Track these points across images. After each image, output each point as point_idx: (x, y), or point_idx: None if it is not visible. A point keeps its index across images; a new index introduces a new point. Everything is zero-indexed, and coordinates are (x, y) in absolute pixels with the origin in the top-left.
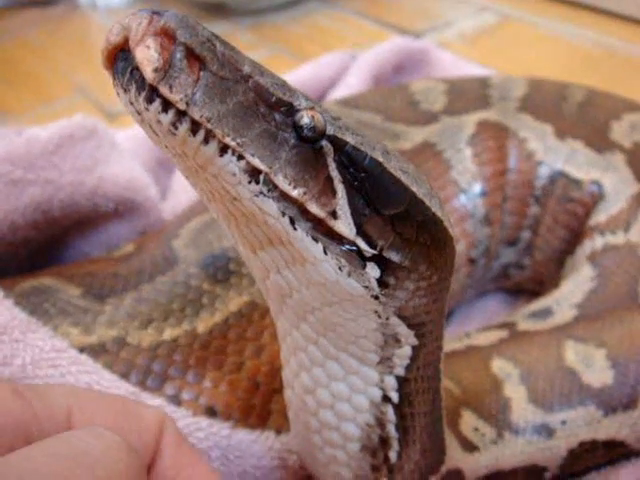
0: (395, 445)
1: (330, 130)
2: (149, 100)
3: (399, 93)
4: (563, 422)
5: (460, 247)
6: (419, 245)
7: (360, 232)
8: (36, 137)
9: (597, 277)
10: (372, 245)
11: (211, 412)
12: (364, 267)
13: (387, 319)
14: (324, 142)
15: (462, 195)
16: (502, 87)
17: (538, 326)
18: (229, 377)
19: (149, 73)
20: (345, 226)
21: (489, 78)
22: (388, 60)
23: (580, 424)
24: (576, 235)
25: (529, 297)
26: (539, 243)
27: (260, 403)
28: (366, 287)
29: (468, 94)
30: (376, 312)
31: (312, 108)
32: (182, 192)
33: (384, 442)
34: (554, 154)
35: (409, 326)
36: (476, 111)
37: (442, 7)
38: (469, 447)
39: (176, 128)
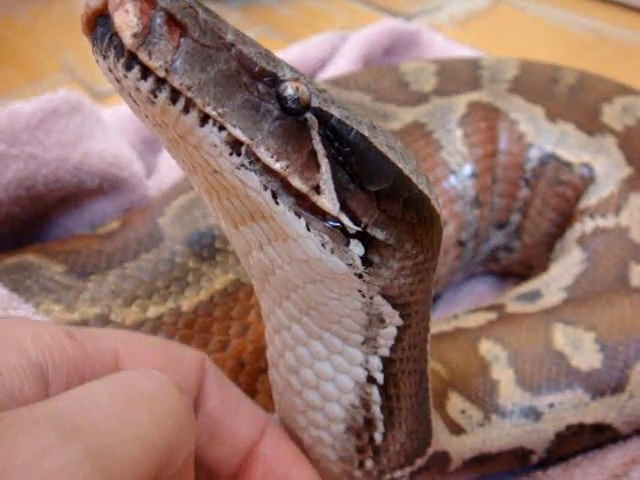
0: (380, 426)
1: (315, 102)
2: (128, 67)
3: (389, 73)
4: (551, 405)
5: (449, 229)
6: (405, 223)
7: (344, 208)
8: (19, 111)
9: (587, 260)
10: (356, 222)
11: None
12: (348, 244)
13: (371, 298)
14: (308, 114)
15: (452, 176)
16: (493, 68)
17: (527, 308)
18: (214, 356)
19: (128, 38)
20: (329, 201)
21: (480, 59)
22: (378, 41)
23: (568, 407)
24: (566, 218)
25: (517, 281)
26: (529, 226)
27: (245, 382)
28: (350, 265)
29: (459, 75)
30: (360, 291)
31: (297, 79)
32: (168, 171)
33: (369, 423)
34: (545, 136)
35: (394, 306)
36: (467, 92)
37: None
38: (456, 429)
39: (155, 96)
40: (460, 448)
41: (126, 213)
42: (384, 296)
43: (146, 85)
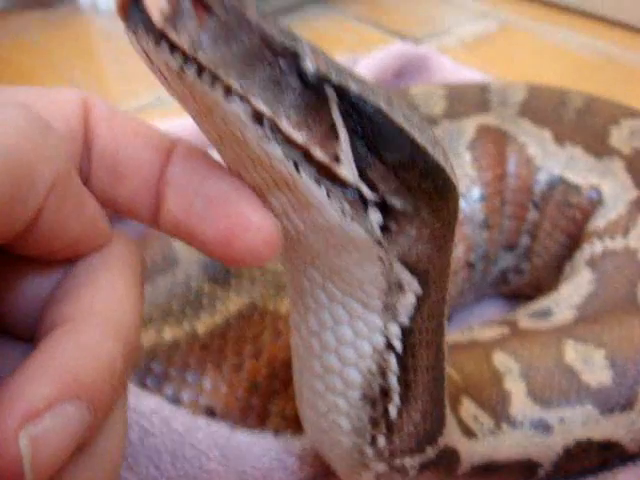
0: (396, 399)
1: (333, 77)
2: (157, 44)
3: (399, 97)
4: (561, 419)
5: (458, 251)
6: (421, 192)
7: (362, 177)
8: None
9: (596, 281)
10: (374, 190)
11: (210, 412)
12: (366, 212)
13: (390, 265)
14: (327, 88)
15: (461, 199)
16: (502, 92)
17: (538, 325)
18: (229, 378)
19: (157, 18)
20: (348, 171)
21: (489, 83)
22: (388, 65)
23: (577, 422)
24: (575, 240)
25: (528, 303)
26: (538, 248)
27: (259, 404)
28: (368, 232)
29: (468, 98)
30: (379, 257)
31: (316, 55)
32: None
33: (385, 394)
34: (553, 159)
35: (413, 273)
36: (476, 115)
37: (442, 13)
38: (467, 433)
39: (183, 71)
40: (470, 451)
41: (141, 237)
42: (403, 263)
43: (174, 62)
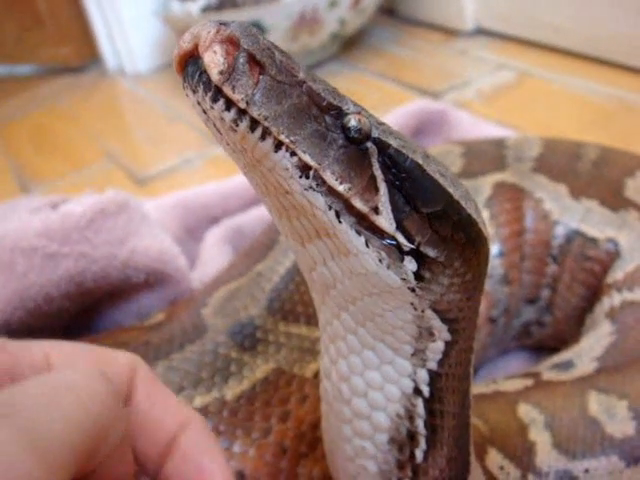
0: (422, 443)
1: (375, 133)
2: (214, 99)
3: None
4: (586, 470)
5: (480, 307)
6: (454, 243)
7: (399, 227)
8: (70, 212)
9: (616, 332)
10: (410, 240)
11: (240, 476)
12: (402, 260)
13: (422, 311)
14: (369, 144)
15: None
16: (517, 148)
17: (561, 377)
18: (257, 442)
19: (215, 75)
20: (386, 221)
21: (505, 139)
22: (408, 122)
23: (602, 474)
24: (594, 292)
25: (551, 355)
26: (558, 301)
27: (287, 467)
28: (403, 279)
29: (484, 156)
30: (412, 304)
31: (359, 112)
32: (210, 261)
33: (412, 437)
34: (570, 214)
35: (443, 320)
36: (492, 173)
37: (460, 66)
38: None
39: (237, 125)
40: None
41: (171, 305)
42: (434, 310)
43: (229, 115)
